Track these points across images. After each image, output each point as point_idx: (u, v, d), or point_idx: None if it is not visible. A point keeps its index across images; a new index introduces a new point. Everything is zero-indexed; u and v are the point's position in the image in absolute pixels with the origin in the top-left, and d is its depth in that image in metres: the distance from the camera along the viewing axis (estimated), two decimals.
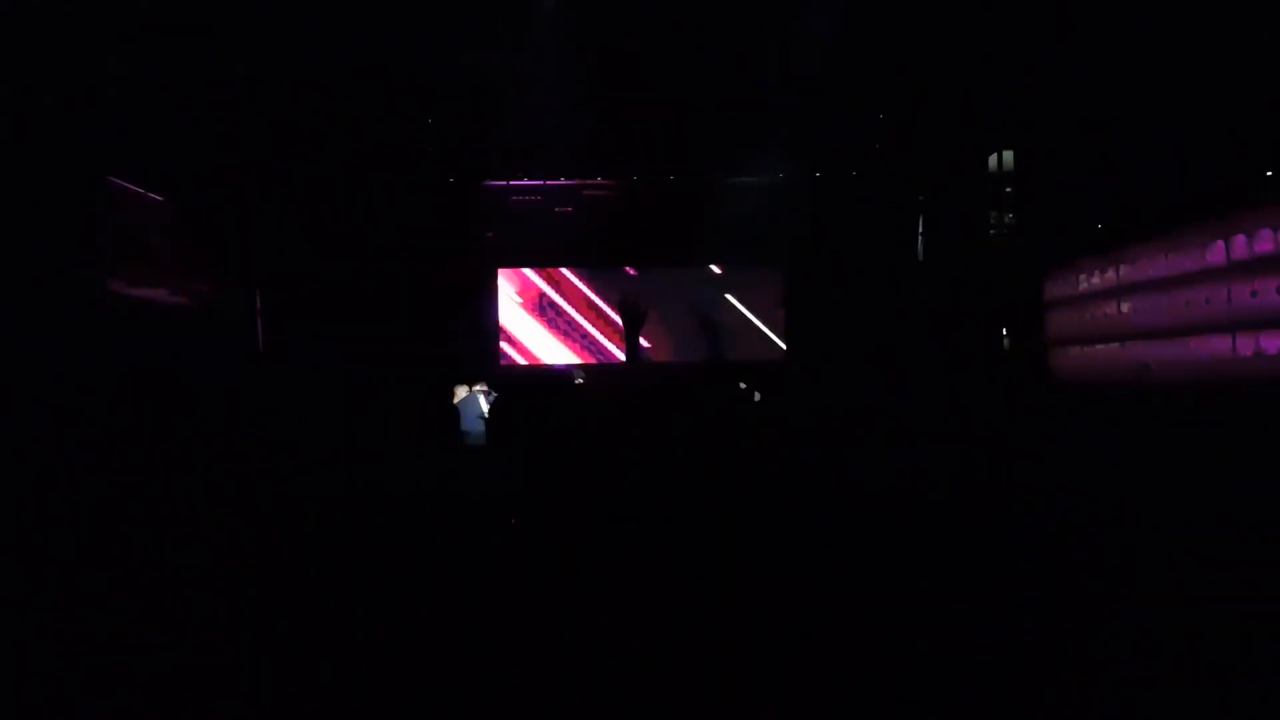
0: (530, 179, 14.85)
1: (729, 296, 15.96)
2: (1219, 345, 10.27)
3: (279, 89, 11.27)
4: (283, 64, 10.92)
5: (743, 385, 9.40)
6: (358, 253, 13.14)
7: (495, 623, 2.53)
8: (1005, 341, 14.48)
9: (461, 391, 8.89)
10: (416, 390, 10.22)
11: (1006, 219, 14.75)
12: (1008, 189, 14.72)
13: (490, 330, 15.68)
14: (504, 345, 15.86)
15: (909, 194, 15.36)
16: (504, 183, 14.84)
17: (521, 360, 15.85)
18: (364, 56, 11.24)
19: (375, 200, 13.64)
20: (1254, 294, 9.77)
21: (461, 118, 13.44)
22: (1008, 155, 14.44)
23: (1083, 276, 13.13)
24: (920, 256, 15.44)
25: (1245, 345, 9.85)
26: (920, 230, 15.53)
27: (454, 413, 8.63)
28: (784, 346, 15.93)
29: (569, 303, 15.83)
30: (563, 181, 14.89)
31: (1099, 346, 12.67)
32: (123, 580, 2.76)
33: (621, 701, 2.06)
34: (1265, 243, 9.65)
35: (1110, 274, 12.38)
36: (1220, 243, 10.32)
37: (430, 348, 13.92)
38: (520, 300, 15.93)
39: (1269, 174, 10.42)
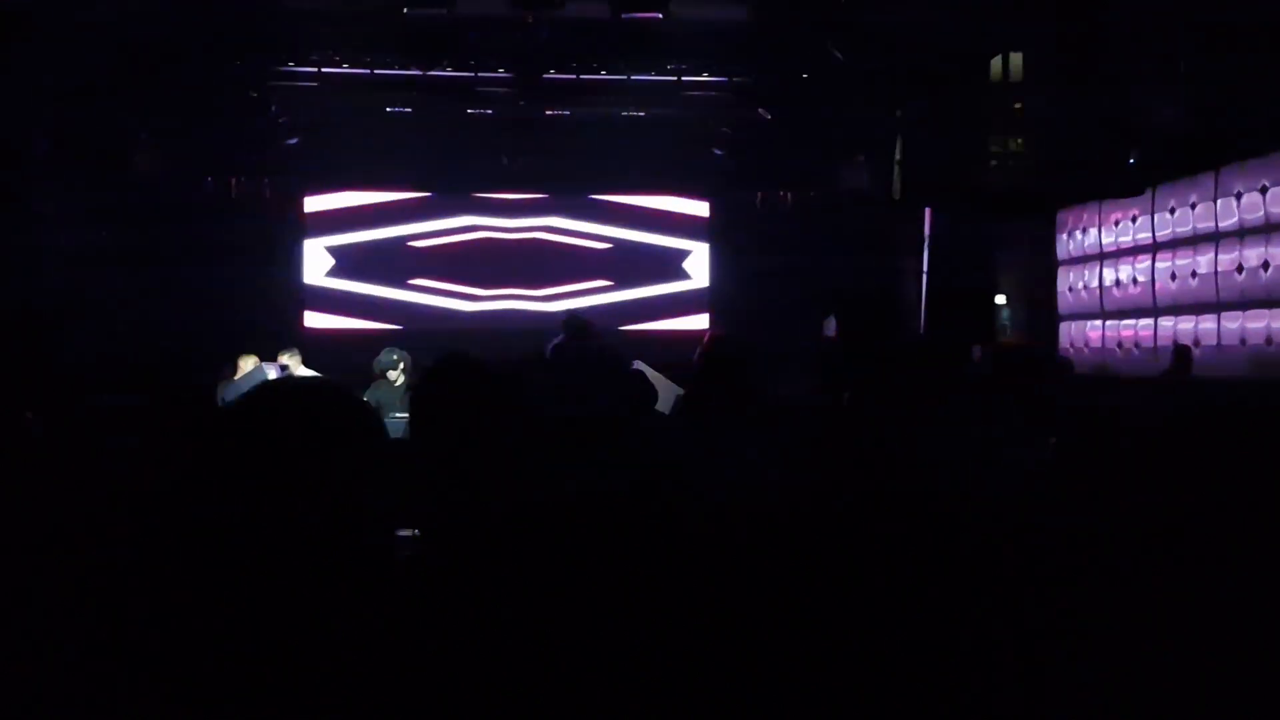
0: (345, 64, 10.59)
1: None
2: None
3: None
4: None
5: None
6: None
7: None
8: None
9: (247, 364, 7.35)
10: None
11: None
12: None
13: (292, 282, 12.18)
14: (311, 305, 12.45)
15: None
16: (307, 69, 10.49)
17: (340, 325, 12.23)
18: None
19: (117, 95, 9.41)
20: None
21: None
22: None
23: None
24: None
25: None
26: None
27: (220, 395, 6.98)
28: None
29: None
30: (395, 71, 10.77)
31: None
32: None
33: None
34: None
35: None
36: None
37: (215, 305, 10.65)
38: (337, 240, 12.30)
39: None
